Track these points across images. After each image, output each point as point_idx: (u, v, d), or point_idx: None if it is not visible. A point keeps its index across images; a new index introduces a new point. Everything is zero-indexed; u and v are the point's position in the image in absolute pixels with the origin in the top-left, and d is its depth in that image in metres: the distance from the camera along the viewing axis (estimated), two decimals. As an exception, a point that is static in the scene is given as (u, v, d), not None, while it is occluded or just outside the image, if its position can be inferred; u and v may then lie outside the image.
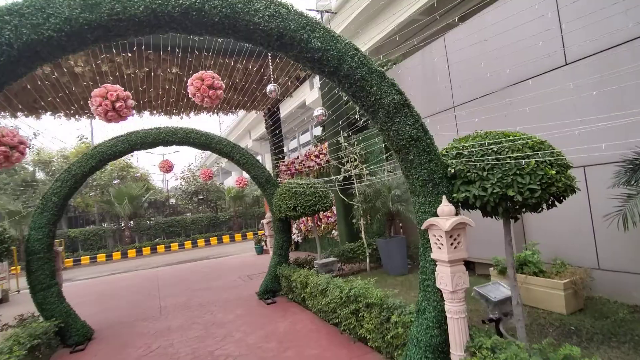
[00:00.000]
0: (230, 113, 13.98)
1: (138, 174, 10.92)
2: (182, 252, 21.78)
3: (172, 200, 29.38)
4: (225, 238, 24.41)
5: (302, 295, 6.39)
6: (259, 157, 73.86)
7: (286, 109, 39.72)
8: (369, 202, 8.23)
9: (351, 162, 9.64)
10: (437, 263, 3.30)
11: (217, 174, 30.32)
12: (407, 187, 7.70)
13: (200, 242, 23.94)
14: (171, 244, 23.40)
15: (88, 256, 21.72)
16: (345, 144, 9.66)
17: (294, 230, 13.44)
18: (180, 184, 28.18)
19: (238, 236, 24.64)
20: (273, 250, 7.74)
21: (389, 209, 7.92)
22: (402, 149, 3.35)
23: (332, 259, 7.55)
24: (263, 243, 15.21)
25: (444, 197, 3.23)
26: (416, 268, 8.23)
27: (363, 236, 8.95)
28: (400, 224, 8.84)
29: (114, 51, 8.37)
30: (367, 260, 8.75)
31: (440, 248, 3.20)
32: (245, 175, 12.33)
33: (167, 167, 6.79)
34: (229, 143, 7.36)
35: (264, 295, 7.46)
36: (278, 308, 6.76)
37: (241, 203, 26.12)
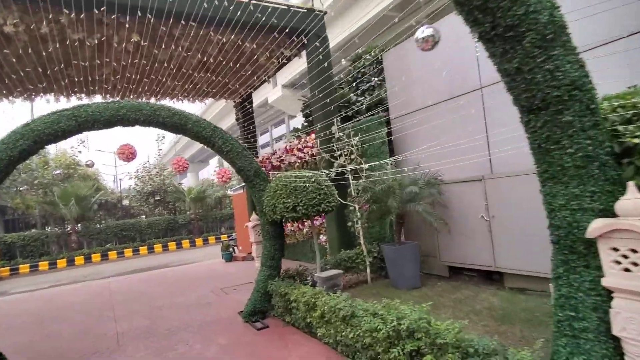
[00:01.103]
0: (197, 101, 12.09)
1: (89, 162, 8.80)
2: (137, 259, 19.12)
3: (126, 202, 26.26)
4: (185, 243, 21.96)
5: (308, 320, 4.82)
6: (215, 159, 70.62)
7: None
8: (375, 202, 6.82)
9: (346, 155, 8.20)
10: (614, 294, 1.92)
11: (173, 175, 27.61)
12: (425, 183, 6.40)
13: (157, 247, 21.32)
14: (124, 250, 20.59)
15: (28, 264, 18.44)
16: (340, 134, 8.21)
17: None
18: (135, 184, 25.18)
19: (199, 241, 22.28)
20: (262, 261, 6.09)
21: (398, 210, 6.56)
22: (552, 104, 1.98)
23: (336, 271, 6.03)
24: (232, 249, 13.33)
25: (630, 184, 1.87)
26: (430, 280, 6.92)
27: (362, 242, 7.52)
28: (402, 229, 7.46)
29: (58, 7, 6.35)
30: (368, 270, 7.32)
31: (628, 270, 1.82)
32: (226, 165, 10.51)
33: (127, 153, 4.97)
34: (208, 125, 5.64)
35: (251, 317, 5.79)
36: (274, 336, 5.13)
37: (202, 205, 23.72)
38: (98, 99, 10.43)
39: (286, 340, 4.91)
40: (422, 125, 6.86)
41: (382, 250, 7.01)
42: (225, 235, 22.64)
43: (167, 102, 11.77)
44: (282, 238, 6.16)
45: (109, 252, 20.20)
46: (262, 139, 66.74)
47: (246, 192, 13.01)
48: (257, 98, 35.57)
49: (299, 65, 25.66)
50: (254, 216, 6.39)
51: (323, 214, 6.36)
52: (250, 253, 12.45)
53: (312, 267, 6.81)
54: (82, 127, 4.81)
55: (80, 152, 22.97)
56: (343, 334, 4.07)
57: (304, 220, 9.83)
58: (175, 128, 5.44)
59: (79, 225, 21.42)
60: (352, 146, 8.02)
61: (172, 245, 21.64)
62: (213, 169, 34.67)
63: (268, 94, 32.57)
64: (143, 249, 20.98)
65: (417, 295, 6.09)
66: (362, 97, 10.06)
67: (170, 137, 47.85)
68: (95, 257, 19.72)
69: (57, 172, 9.66)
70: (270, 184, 5.86)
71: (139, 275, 12.13)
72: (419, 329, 3.16)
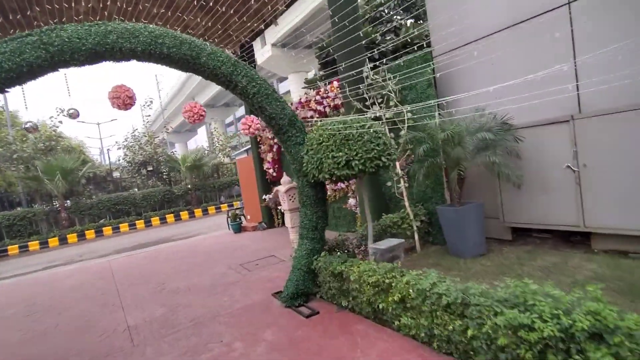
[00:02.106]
0: None
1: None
2: (135, 234, 17.89)
3: (116, 174, 24.61)
4: (184, 214, 20.71)
5: (379, 306, 3.72)
6: (203, 128, 68.52)
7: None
8: (427, 156, 5.59)
9: (380, 102, 6.86)
10: None
11: (166, 142, 25.81)
12: (500, 128, 5.15)
13: (155, 220, 20.05)
14: (120, 225, 19.29)
15: (17, 245, 17.11)
16: (375, 76, 6.81)
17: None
18: (124, 154, 23.41)
19: (198, 212, 21.03)
20: (300, 232, 4.92)
21: (457, 163, 5.36)
22: None
23: (396, 240, 4.90)
24: (241, 218, 12.16)
25: None
26: (492, 245, 5.86)
27: (407, 204, 6.37)
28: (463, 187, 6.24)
29: None
30: (416, 236, 6.23)
31: None
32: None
33: (124, 97, 3.59)
34: (228, 58, 4.24)
35: (293, 301, 4.68)
36: (331, 326, 4.04)
37: (199, 174, 22.23)
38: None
39: (350, 331, 3.82)
40: (480, 60, 5.54)
41: (439, 213, 5.87)
42: (226, 205, 21.50)
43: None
44: (325, 203, 4.95)
45: (104, 228, 18.91)
46: (239, 112, 64.23)
47: (252, 156, 11.68)
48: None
49: (290, 20, 23.53)
50: (285, 178, 5.16)
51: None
52: (261, 222, 11.32)
53: (351, 237, 5.70)
54: (56, 60, 3.38)
55: (61, 122, 21.00)
56: (448, 327, 2.97)
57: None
58: (184, 62, 4.02)
59: (68, 201, 19.91)
60: (390, 91, 6.67)
61: (170, 217, 20.39)
62: (211, 130, 32.63)
63: (256, 54, 30.30)
64: (140, 223, 19.71)
65: (491, 265, 5.04)
66: (389, 37, 8.60)
67: (157, 102, 45.36)
68: (89, 234, 18.44)
69: (27, 125, 8.12)
70: (311, 135, 4.56)
71: (142, 252, 10.93)
72: (610, 329, 2.04)
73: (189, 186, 21.73)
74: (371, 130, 4.38)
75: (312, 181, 4.65)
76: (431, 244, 6.57)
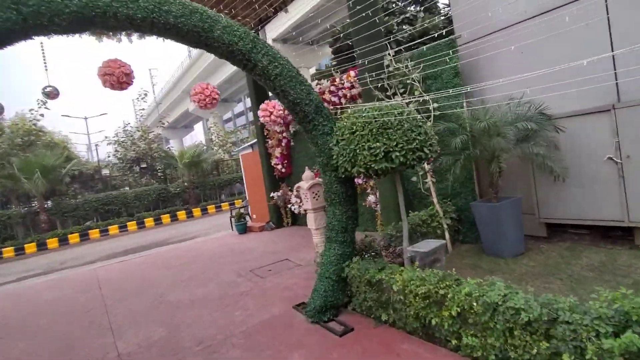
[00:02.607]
0: None
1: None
2: (125, 237, 17.51)
3: (105, 172, 24.23)
4: (181, 214, 20.34)
5: (431, 320, 3.32)
6: (199, 124, 68.15)
7: (230, 68, 34.92)
8: (465, 148, 5.20)
9: (402, 93, 6.48)
10: None
11: (161, 138, 25.41)
12: (540, 118, 4.72)
13: (149, 221, 19.68)
14: (109, 227, 18.88)
15: (-13, 252, 16.61)
16: (397, 64, 6.41)
17: (293, 199, 10.16)
18: (115, 150, 23.02)
19: (197, 211, 20.66)
20: (327, 235, 4.52)
21: (494, 156, 4.99)
22: None
23: (437, 241, 4.50)
24: (246, 218, 11.78)
25: None
26: (527, 243, 5.49)
27: (435, 201, 5.99)
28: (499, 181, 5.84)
29: None
30: (447, 235, 5.85)
31: None
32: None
33: (119, 73, 3.20)
34: (246, 33, 3.82)
35: (321, 314, 4.29)
36: (371, 344, 3.65)
37: (197, 170, 21.83)
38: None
39: (396, 351, 3.43)
40: (507, 48, 5.19)
41: (473, 210, 5.49)
42: (227, 204, 21.13)
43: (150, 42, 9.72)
44: (356, 201, 4.55)
45: (90, 231, 18.45)
46: (237, 108, 63.73)
47: (257, 152, 11.29)
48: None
49: (291, 17, 23.15)
50: (307, 173, 4.76)
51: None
52: (269, 222, 10.95)
53: (378, 238, 5.33)
54: (32, 25, 2.97)
55: (42, 115, 20.52)
56: (531, 351, 2.57)
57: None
58: (194, 36, 3.61)
59: (49, 201, 19.33)
60: (414, 80, 6.26)
61: (165, 218, 20.02)
62: (210, 126, 31.96)
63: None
64: (132, 225, 19.33)
65: (535, 265, 4.68)
66: (406, 26, 8.18)
67: (151, 97, 44.95)
68: (73, 238, 17.95)
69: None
70: (341, 124, 4.15)
71: (134, 258, 10.50)
72: None
73: (187, 184, 21.35)
74: (410, 117, 3.97)
75: (343, 176, 4.25)
76: (461, 243, 6.25)
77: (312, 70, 44.06)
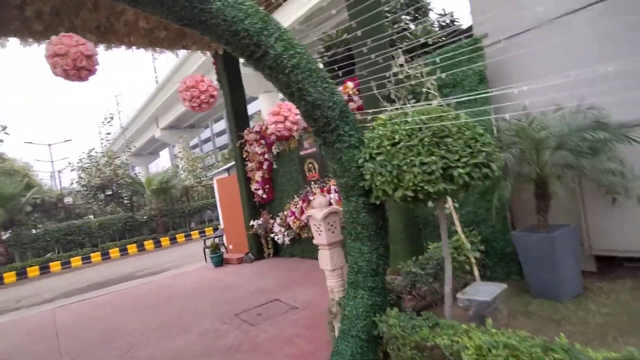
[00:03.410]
0: (165, 51, 8.75)
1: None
2: (89, 269, 15.12)
3: (68, 199, 21.48)
4: (149, 244, 18.07)
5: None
6: (165, 151, 64.94)
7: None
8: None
9: (410, 102, 5.46)
10: None
11: (128, 164, 23.08)
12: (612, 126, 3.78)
13: (114, 252, 17.27)
14: (71, 259, 16.32)
15: None
16: (410, 70, 5.40)
17: (276, 227, 8.79)
18: (79, 177, 20.45)
19: (165, 240, 18.47)
20: (352, 279, 3.26)
21: (543, 174, 4.01)
22: None
23: (495, 285, 3.35)
24: (220, 248, 10.17)
25: None
26: (589, 283, 4.42)
27: (459, 230, 4.89)
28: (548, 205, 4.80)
29: None
30: (476, 272, 4.72)
31: None
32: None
33: (75, 57, 1.84)
34: (255, 10, 2.63)
35: (348, 388, 2.95)
36: None
37: (166, 197, 19.72)
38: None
39: None
40: (543, 48, 4.33)
41: (516, 240, 4.42)
42: (197, 232, 19.13)
43: (118, 51, 8.31)
44: (387, 235, 3.34)
45: (51, 264, 15.87)
46: (204, 134, 61.55)
47: (235, 176, 9.88)
48: (213, 80, 31.55)
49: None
50: (321, 199, 3.49)
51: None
52: (248, 253, 9.43)
53: (399, 277, 4.12)
54: None
55: (1, 140, 17.96)
56: None
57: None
58: (186, 9, 2.36)
59: (7, 233, 16.71)
60: (429, 88, 5.28)
61: (132, 248, 17.68)
62: (175, 152, 29.71)
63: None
64: (96, 256, 16.85)
65: (610, 312, 3.59)
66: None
67: (117, 124, 42.05)
68: (33, 271, 15.35)
69: None
70: (374, 134, 2.98)
71: (99, 296, 8.55)
72: None
73: (155, 212, 19.16)
74: (470, 121, 2.90)
75: (377, 202, 3.05)
76: (489, 280, 5.11)
77: (282, 96, 43.20)
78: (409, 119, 2.95)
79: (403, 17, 7.78)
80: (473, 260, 4.78)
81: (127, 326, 5.81)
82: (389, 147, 2.86)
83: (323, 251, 3.58)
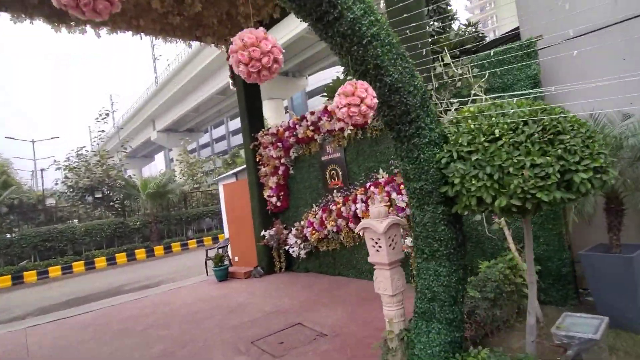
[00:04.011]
0: (177, 40, 8.41)
1: None
2: (71, 281, 14.48)
3: (51, 201, 20.92)
4: (140, 253, 17.45)
5: None
6: (160, 155, 64.96)
7: (205, 92, 33.27)
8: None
9: (454, 105, 5.05)
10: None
11: (122, 165, 22.59)
12: None
13: (100, 261, 16.64)
14: (49, 268, 15.65)
15: None
16: (455, 69, 5.00)
17: (291, 238, 8.29)
18: (65, 177, 19.91)
19: (159, 250, 17.87)
20: (425, 308, 2.77)
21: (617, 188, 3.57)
22: None
23: (599, 319, 2.85)
24: (225, 260, 9.61)
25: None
26: None
27: (513, 248, 4.42)
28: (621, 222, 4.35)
29: None
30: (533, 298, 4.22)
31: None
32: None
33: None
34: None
35: None
36: None
37: (162, 202, 19.17)
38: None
39: None
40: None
41: (585, 262, 3.94)
42: (194, 241, 18.57)
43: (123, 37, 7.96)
44: (466, 254, 2.86)
45: (25, 273, 15.13)
46: (202, 140, 61.45)
47: (244, 181, 9.42)
48: (218, 82, 31.40)
49: (285, 34, 22.41)
50: (378, 208, 2.99)
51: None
52: (257, 266, 8.89)
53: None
54: None
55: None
56: None
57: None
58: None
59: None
60: (477, 92, 4.85)
61: (121, 257, 17.05)
62: (175, 157, 28.96)
63: (229, 77, 28.58)
64: (78, 266, 16.19)
65: None
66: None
67: (111, 124, 41.67)
68: (3, 281, 14.55)
69: None
70: (468, 127, 2.52)
71: (80, 314, 7.87)
72: None
73: (149, 218, 18.59)
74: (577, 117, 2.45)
75: (465, 213, 2.58)
76: (543, 304, 4.60)
77: (286, 102, 43.20)
78: (510, 110, 2.50)
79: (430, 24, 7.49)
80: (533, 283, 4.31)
81: (115, 354, 5.24)
82: (486, 144, 2.40)
83: (381, 272, 3.09)
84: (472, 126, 2.52)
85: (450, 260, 2.71)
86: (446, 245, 2.69)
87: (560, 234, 4.48)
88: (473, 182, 2.39)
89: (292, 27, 21.06)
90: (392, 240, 3.07)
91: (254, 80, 2.01)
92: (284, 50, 2.01)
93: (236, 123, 63.52)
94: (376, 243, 3.06)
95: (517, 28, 5.69)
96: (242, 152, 36.58)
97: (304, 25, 17.14)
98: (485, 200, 2.36)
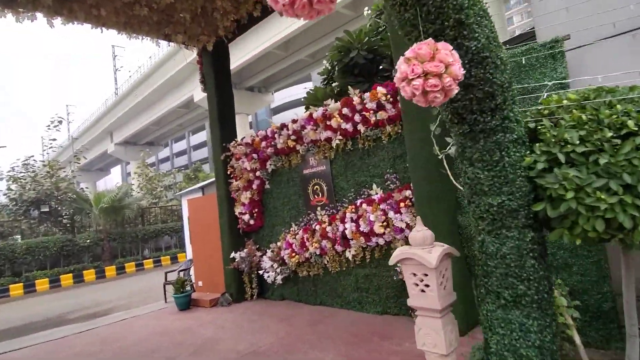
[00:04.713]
0: (152, 39, 7.32)
1: None
2: (5, 307, 12.24)
3: (-11, 216, 18.16)
4: (89, 274, 15.30)
5: None
6: (117, 168, 61.15)
7: (168, 104, 31.47)
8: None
9: None
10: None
11: (74, 176, 20.16)
12: None
13: (42, 284, 14.37)
14: (-21, 292, 13.29)
15: None
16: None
17: (266, 261, 7.17)
18: (8, 188, 17.36)
19: (111, 270, 15.79)
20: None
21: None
22: None
23: None
24: (189, 286, 8.23)
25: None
26: None
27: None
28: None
29: None
30: (577, 338, 3.42)
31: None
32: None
33: None
34: None
35: None
36: None
37: (117, 218, 17.11)
38: None
39: None
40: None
41: None
42: (151, 261, 16.68)
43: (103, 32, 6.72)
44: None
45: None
46: (162, 154, 58.87)
47: (212, 196, 8.23)
48: (181, 95, 29.79)
49: (235, 60, 21.62)
50: (423, 232, 2.10)
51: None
52: (225, 293, 7.63)
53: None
54: None
55: None
56: None
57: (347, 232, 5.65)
58: None
59: None
60: None
61: (66, 279, 14.83)
62: (133, 170, 26.52)
63: (193, 90, 27.25)
64: (16, 288, 13.85)
65: None
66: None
67: (73, 126, 38.46)
68: None
69: None
70: (571, 122, 1.69)
71: (5, 353, 6.25)
72: None
73: (102, 235, 16.47)
74: None
75: (578, 241, 1.72)
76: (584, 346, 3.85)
77: (251, 117, 41.90)
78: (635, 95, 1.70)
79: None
80: (571, 322, 3.52)
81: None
82: (614, 142, 1.57)
83: (428, 321, 2.14)
84: (583, 116, 1.69)
85: (542, 308, 1.83)
86: (537, 287, 1.82)
87: (599, 262, 3.74)
88: (602, 196, 1.54)
89: (260, 42, 20.36)
90: (443, 277, 2.15)
91: (306, 19, 1.09)
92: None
93: (198, 137, 61.28)
94: (421, 280, 2.13)
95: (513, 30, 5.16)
96: (205, 167, 34.70)
97: (272, 40, 16.73)
98: (623, 224, 1.50)
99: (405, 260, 2.21)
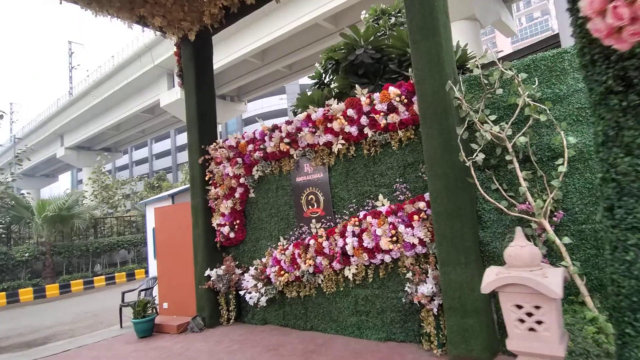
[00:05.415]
0: (113, 16, 6.50)
1: None
2: None
3: None
4: (25, 293, 13.43)
5: None
6: (66, 175, 57.52)
7: (130, 108, 29.82)
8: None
9: (491, 117, 4.08)
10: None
11: (15, 179, 18.07)
12: None
13: (-34, 303, 12.49)
14: None
15: None
16: (505, 69, 3.96)
17: (248, 280, 6.40)
18: None
19: (53, 288, 13.98)
20: None
21: None
22: None
23: None
24: (151, 309, 7.21)
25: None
26: None
27: (585, 291, 3.25)
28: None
29: None
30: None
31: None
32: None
33: None
34: None
35: None
36: None
37: (64, 229, 15.39)
38: None
39: None
40: None
41: None
42: (103, 278, 15.04)
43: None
44: None
45: None
46: (120, 161, 56.32)
47: (186, 205, 7.40)
48: (146, 99, 28.28)
49: (227, 56, 20.87)
50: (531, 249, 1.58)
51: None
52: (196, 316, 6.74)
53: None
54: None
55: None
56: None
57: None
58: None
59: None
60: (528, 102, 3.85)
61: (-2, 298, 13.04)
62: (84, 176, 24.35)
63: (160, 94, 26.01)
64: None
65: None
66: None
67: (8, 125, 35.43)
68: None
69: None
70: None
71: None
72: None
73: (45, 247, 14.74)
74: None
75: None
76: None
77: (220, 128, 40.60)
78: None
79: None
80: (610, 342, 3.10)
81: None
82: None
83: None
84: None
85: None
86: None
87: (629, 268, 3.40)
88: None
89: (235, 49, 19.78)
90: (558, 312, 1.62)
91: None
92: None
93: (161, 145, 58.71)
94: (529, 315, 1.59)
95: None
96: (169, 176, 32.92)
97: (250, 47, 16.32)
98: None
99: (505, 287, 1.67)
